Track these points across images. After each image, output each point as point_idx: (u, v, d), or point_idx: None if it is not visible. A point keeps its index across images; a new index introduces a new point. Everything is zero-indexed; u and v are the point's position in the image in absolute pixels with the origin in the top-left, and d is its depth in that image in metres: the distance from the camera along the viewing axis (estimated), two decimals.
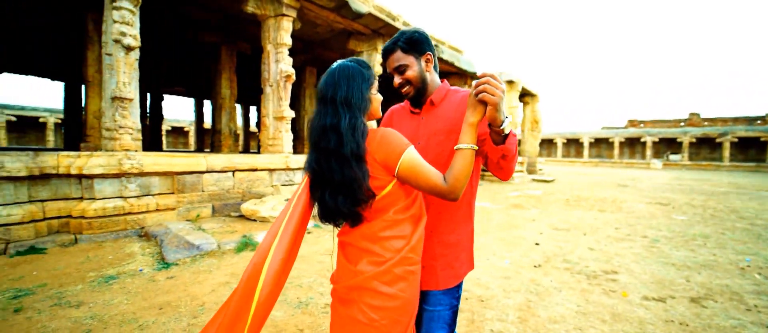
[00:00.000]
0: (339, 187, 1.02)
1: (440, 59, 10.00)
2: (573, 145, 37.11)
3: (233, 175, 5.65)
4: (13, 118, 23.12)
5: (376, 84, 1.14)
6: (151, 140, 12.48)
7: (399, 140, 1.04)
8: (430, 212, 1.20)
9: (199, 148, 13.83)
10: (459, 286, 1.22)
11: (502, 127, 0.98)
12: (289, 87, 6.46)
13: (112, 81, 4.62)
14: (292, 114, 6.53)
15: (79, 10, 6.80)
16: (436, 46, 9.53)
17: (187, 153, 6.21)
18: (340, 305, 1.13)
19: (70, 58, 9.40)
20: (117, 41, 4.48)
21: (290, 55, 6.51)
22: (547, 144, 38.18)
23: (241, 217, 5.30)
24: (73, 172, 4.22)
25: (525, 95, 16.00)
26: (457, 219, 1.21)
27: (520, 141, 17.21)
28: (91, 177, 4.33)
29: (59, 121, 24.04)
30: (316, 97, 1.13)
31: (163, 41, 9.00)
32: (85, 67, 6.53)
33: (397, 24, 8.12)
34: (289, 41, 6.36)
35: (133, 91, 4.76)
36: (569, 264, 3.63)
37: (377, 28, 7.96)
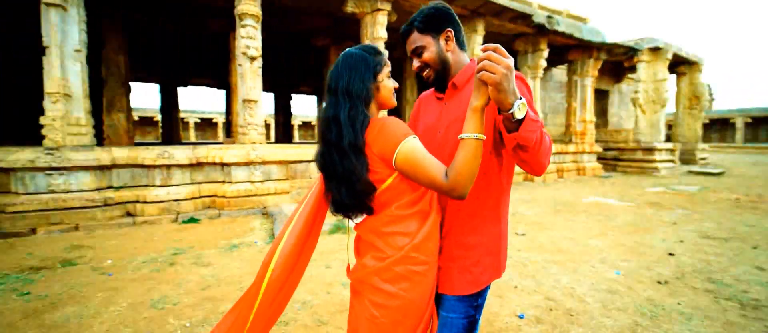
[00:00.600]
0: (341, 180, 1.02)
1: (555, 32, 8.74)
2: (763, 126, 27.62)
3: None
4: (198, 120, 30.57)
5: (385, 70, 1.08)
6: (284, 134, 14.74)
7: (397, 130, 0.97)
8: (448, 209, 1.09)
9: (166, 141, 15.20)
10: (479, 295, 1.07)
11: (511, 112, 0.81)
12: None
13: (242, 87, 5.62)
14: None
15: (226, 31, 8.47)
16: (550, 17, 8.39)
17: (297, 144, 7.14)
18: (353, 297, 1.14)
19: (224, 70, 11.85)
20: (244, 53, 5.41)
21: (387, 47, 6.69)
22: (720, 126, 29.42)
23: None
24: (217, 161, 5.35)
25: (679, 64, 12.64)
26: (479, 219, 1.07)
27: (672, 123, 13.73)
28: (229, 165, 5.41)
29: (225, 121, 30.88)
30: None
31: (287, 49, 10.43)
32: (230, 76, 8.10)
33: (503, 0, 7.44)
34: (384, 34, 6.55)
35: (258, 94, 5.69)
36: (715, 285, 2.76)
37: (476, 7, 7.46)
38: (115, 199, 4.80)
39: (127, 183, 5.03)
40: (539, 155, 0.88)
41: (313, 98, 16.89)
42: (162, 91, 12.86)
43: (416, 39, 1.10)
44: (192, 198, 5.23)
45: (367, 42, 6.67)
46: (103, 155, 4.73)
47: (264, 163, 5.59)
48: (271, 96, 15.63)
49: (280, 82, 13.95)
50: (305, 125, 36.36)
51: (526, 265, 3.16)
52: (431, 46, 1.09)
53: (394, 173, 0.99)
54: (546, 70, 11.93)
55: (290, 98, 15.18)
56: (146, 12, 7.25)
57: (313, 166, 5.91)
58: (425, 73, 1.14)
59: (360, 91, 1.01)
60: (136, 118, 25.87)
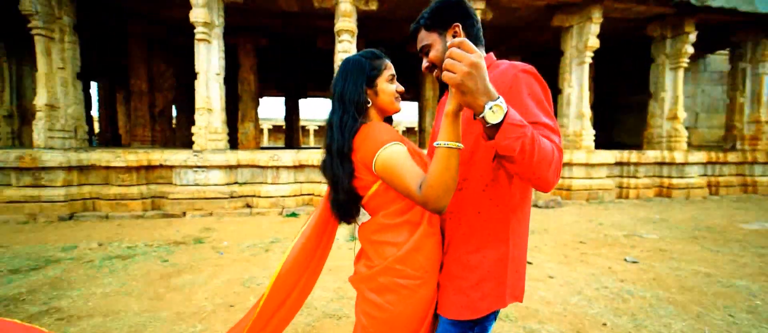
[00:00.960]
0: (332, 185, 1.04)
1: (708, 8, 6.90)
2: None
3: None
4: (317, 127, 34.80)
5: (385, 74, 1.06)
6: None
7: (380, 136, 0.94)
8: (448, 222, 1.00)
9: (292, 144, 15.67)
10: (477, 323, 0.95)
11: (482, 116, 0.71)
12: None
13: None
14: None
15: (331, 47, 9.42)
16: None
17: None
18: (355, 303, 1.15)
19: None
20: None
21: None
22: None
23: None
24: (315, 163, 5.98)
25: None
26: (481, 236, 0.95)
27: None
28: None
29: None
30: None
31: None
32: None
33: None
34: None
35: None
36: None
37: None
38: (239, 193, 5.85)
39: (248, 180, 6.06)
40: (535, 168, 0.73)
41: (414, 104, 17.21)
42: (285, 103, 15.06)
43: (423, 37, 1.05)
44: (294, 195, 5.97)
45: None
46: (231, 157, 5.82)
47: None
48: None
49: (293, 88, 14.61)
50: (408, 131, 37.52)
51: (627, 300, 2.59)
52: (437, 44, 1.02)
53: (378, 180, 0.97)
54: (696, 57, 9.53)
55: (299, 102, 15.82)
56: (271, 37, 8.61)
57: None
58: (434, 73, 1.07)
59: (353, 96, 1.02)
60: (270, 127, 30.55)
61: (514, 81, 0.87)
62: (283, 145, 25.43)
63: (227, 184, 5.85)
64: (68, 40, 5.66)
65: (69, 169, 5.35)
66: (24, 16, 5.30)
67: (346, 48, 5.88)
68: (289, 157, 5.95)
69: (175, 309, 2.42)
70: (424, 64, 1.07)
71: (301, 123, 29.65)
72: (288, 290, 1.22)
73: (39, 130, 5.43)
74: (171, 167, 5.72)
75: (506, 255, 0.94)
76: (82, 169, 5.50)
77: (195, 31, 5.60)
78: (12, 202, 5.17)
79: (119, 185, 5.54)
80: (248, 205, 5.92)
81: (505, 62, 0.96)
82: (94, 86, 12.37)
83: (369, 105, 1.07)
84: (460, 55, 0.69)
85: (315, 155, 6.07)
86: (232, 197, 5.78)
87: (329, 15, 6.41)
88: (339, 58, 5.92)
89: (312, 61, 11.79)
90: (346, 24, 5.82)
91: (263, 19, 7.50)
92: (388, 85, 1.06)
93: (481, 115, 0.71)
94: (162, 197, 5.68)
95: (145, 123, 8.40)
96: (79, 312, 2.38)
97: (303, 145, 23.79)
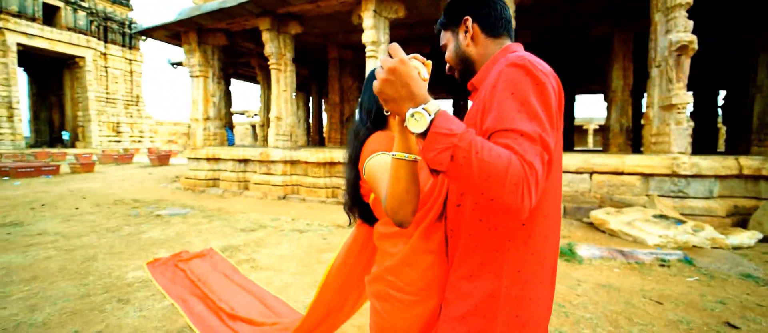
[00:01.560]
0: (345, 187, 1.13)
1: None
2: None
3: (590, 177, 5.15)
4: (597, 127, 31.45)
5: None
6: (564, 140, 13.46)
7: (372, 146, 0.96)
8: (452, 240, 0.90)
9: (565, 147, 12.85)
10: None
11: (405, 124, 0.65)
12: (685, 64, 4.71)
13: None
14: (687, 99, 4.73)
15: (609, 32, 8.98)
16: None
17: (573, 152, 6.29)
18: None
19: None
20: None
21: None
22: None
23: (590, 224, 4.77)
24: None
25: None
26: (473, 262, 0.82)
27: None
28: None
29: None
30: None
31: (560, 44, 9.51)
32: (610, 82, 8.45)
33: None
34: None
35: None
36: None
37: None
38: None
39: None
40: (479, 186, 0.60)
41: (600, 97, 13.89)
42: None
43: (442, 37, 1.00)
44: None
45: (657, 15, 5.06)
46: None
47: None
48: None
49: (563, 83, 12.78)
50: (602, 129, 30.91)
51: None
52: (450, 43, 0.96)
53: None
54: None
55: (573, 100, 13.61)
56: (433, 45, 9.07)
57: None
58: (455, 74, 0.99)
59: (369, 106, 1.07)
60: None
61: (498, 78, 0.72)
62: None
63: None
64: (289, 70, 7.80)
65: (284, 163, 7.40)
66: (266, 57, 7.68)
67: None
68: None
69: (315, 277, 3.04)
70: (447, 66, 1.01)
71: (578, 122, 28.78)
72: (334, 297, 1.37)
73: (271, 135, 7.75)
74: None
75: (498, 291, 0.78)
76: (292, 163, 7.48)
77: (365, 50, 6.61)
78: (256, 184, 7.62)
79: (312, 176, 7.21)
80: None
81: (513, 56, 0.80)
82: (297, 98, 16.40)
83: (388, 114, 1.09)
84: (383, 61, 0.66)
85: None
86: None
87: None
88: None
89: (585, 53, 11.30)
90: None
91: (423, 29, 8.00)
92: None
93: (405, 124, 0.65)
94: (339, 188, 7.02)
95: (337, 128, 10.51)
96: (262, 265, 3.34)
97: (576, 148, 22.22)
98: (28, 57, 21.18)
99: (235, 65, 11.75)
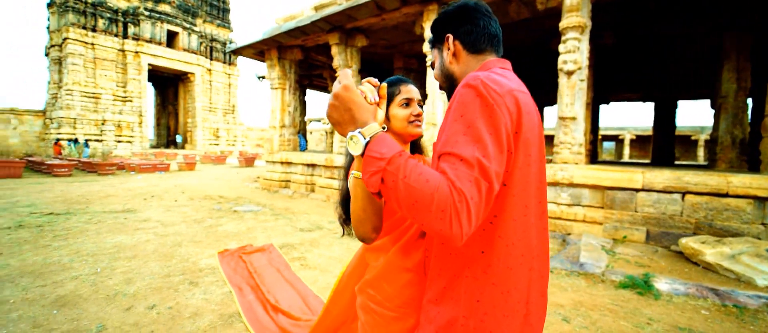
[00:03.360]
0: None
1: None
2: None
3: (682, 198, 4.38)
4: (634, 136, 28.51)
5: (397, 99, 1.07)
6: (661, 152, 11.66)
7: (358, 162, 0.99)
8: (428, 260, 0.89)
9: (665, 160, 10.80)
10: None
11: (346, 147, 0.69)
12: None
13: (559, 103, 5.42)
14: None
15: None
16: None
17: (623, 166, 5.49)
18: None
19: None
20: (560, 69, 5.20)
21: None
22: None
23: (678, 254, 4.05)
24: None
25: None
26: (437, 285, 0.80)
27: None
28: None
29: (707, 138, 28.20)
30: None
31: (665, 43, 8.28)
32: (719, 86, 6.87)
33: None
34: None
35: (575, 111, 5.25)
36: None
37: None
38: None
39: None
40: (408, 211, 0.61)
41: (706, 103, 11.56)
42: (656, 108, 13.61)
43: (431, 55, 1.00)
44: None
45: None
46: None
47: (572, 185, 5.07)
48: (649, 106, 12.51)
49: (660, 88, 11.16)
50: (640, 140, 25.77)
51: None
52: (436, 61, 0.96)
53: None
54: None
55: (674, 107, 11.70)
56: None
57: (642, 197, 4.58)
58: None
59: None
60: (633, 137, 26.95)
61: (453, 98, 0.71)
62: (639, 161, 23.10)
63: None
64: (355, 81, 8.20)
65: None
66: (335, 70, 8.19)
67: (568, 48, 5.09)
68: None
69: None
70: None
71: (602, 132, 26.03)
72: (347, 309, 1.42)
73: (336, 142, 8.22)
74: None
75: (456, 319, 0.75)
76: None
77: (427, 59, 6.63)
78: (321, 188, 8.12)
79: None
80: None
81: (471, 75, 0.76)
82: None
83: (384, 130, 1.11)
84: (334, 87, 0.70)
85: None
86: None
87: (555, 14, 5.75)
88: (560, 61, 5.21)
89: (545, 67, 10.76)
90: (572, 19, 5.05)
91: None
92: (399, 110, 1.06)
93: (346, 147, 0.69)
94: None
95: None
96: (312, 264, 3.57)
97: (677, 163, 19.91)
98: (154, 74, 25.79)
99: (311, 77, 12.72)
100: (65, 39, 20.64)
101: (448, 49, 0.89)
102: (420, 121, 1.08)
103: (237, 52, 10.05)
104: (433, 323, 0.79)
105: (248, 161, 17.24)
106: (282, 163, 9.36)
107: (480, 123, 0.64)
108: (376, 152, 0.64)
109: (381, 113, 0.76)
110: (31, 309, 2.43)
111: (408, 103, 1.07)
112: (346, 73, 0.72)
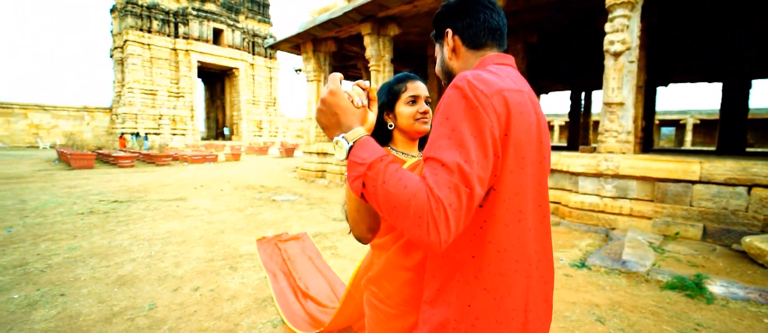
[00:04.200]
0: None
1: None
2: None
3: (748, 191, 3.92)
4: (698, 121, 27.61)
5: (404, 97, 1.06)
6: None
7: None
8: (427, 258, 0.90)
9: (734, 148, 9.42)
10: None
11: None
12: None
13: (604, 88, 5.03)
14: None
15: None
16: None
17: (678, 155, 4.93)
18: None
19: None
20: (606, 51, 4.80)
21: None
22: None
23: (741, 253, 3.65)
24: (564, 169, 5.26)
25: None
26: (435, 284, 0.79)
27: None
28: (576, 174, 5.15)
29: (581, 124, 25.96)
30: None
31: (741, 16, 7.33)
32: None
33: None
34: None
35: (622, 95, 4.85)
36: None
37: None
38: None
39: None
40: (388, 216, 0.61)
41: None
42: (571, 98, 13.52)
43: (435, 49, 0.98)
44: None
45: None
46: None
47: (618, 176, 4.72)
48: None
49: (730, 67, 9.91)
50: (705, 125, 22.50)
51: None
52: (438, 56, 0.94)
53: None
54: None
55: (747, 87, 10.36)
56: (540, 32, 8.16)
57: (699, 190, 4.17)
58: None
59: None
60: (697, 121, 25.40)
61: (441, 99, 0.69)
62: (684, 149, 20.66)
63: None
64: (387, 70, 8.17)
65: None
66: (366, 60, 8.21)
67: (615, 28, 4.67)
68: None
69: None
70: None
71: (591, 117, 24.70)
72: (360, 301, 1.46)
73: None
74: None
75: (447, 323, 0.74)
76: None
77: None
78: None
79: None
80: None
81: (460, 75, 0.73)
82: None
83: (391, 127, 1.10)
84: (321, 91, 0.72)
85: (565, 159, 5.32)
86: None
87: None
88: (606, 41, 4.80)
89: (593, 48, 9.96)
90: None
91: (529, 17, 7.28)
92: (405, 107, 1.05)
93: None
94: None
95: None
96: (342, 253, 3.68)
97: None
98: (202, 70, 27.46)
99: (345, 68, 12.87)
100: (126, 41, 22.58)
101: (448, 44, 0.87)
102: (427, 119, 1.06)
103: (274, 47, 10.41)
104: (428, 324, 0.80)
105: (288, 152, 17.96)
106: (318, 153, 9.64)
107: (464, 126, 0.63)
108: (358, 157, 0.65)
109: (372, 116, 0.76)
110: (96, 286, 2.77)
111: (414, 100, 1.06)
112: (333, 78, 0.73)
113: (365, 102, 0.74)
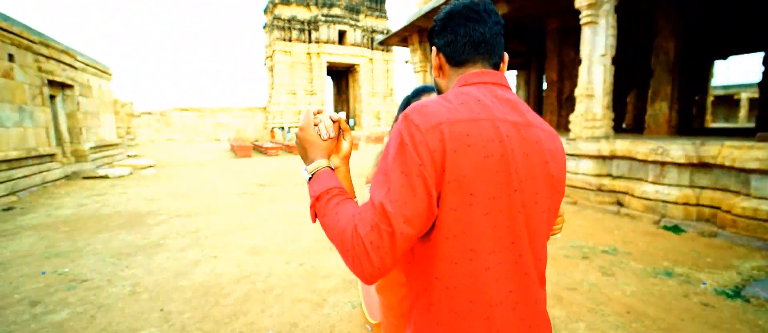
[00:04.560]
0: None
1: None
2: None
3: None
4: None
5: None
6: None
7: (371, 171, 1.06)
8: None
9: None
10: None
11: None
12: None
13: None
14: None
15: None
16: None
17: None
18: None
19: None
20: None
21: None
22: None
23: None
24: (728, 163, 4.01)
25: None
26: (405, 307, 0.82)
27: None
28: (747, 171, 3.88)
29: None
30: None
31: None
32: None
33: None
34: None
35: None
36: None
37: None
38: (608, 187, 5.28)
39: (624, 174, 5.25)
40: (332, 242, 0.67)
41: None
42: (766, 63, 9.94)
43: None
44: (684, 203, 4.41)
45: None
46: (604, 146, 5.30)
47: None
48: None
49: None
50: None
51: None
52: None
53: None
54: None
55: None
56: None
57: None
58: None
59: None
60: (712, 97, 21.06)
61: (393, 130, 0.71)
62: (737, 127, 16.77)
63: (597, 175, 5.45)
64: None
65: None
66: None
67: None
68: (680, 150, 4.42)
69: None
70: None
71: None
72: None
73: None
74: None
75: None
76: None
77: (580, 16, 5.52)
78: None
79: None
80: (619, 203, 5.18)
81: (409, 107, 0.71)
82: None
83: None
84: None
85: (729, 150, 4.04)
86: (600, 190, 5.34)
87: None
88: None
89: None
90: None
91: None
92: None
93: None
94: None
95: (554, 109, 9.33)
96: None
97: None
98: (330, 69, 30.84)
99: None
100: (273, 51, 27.22)
101: (435, 62, 0.85)
102: None
103: (384, 42, 10.94)
104: None
105: None
106: None
107: (395, 164, 0.63)
108: (312, 188, 0.72)
109: (346, 144, 0.82)
110: (237, 253, 3.62)
111: None
112: (306, 112, 0.81)
113: (332, 134, 0.80)
